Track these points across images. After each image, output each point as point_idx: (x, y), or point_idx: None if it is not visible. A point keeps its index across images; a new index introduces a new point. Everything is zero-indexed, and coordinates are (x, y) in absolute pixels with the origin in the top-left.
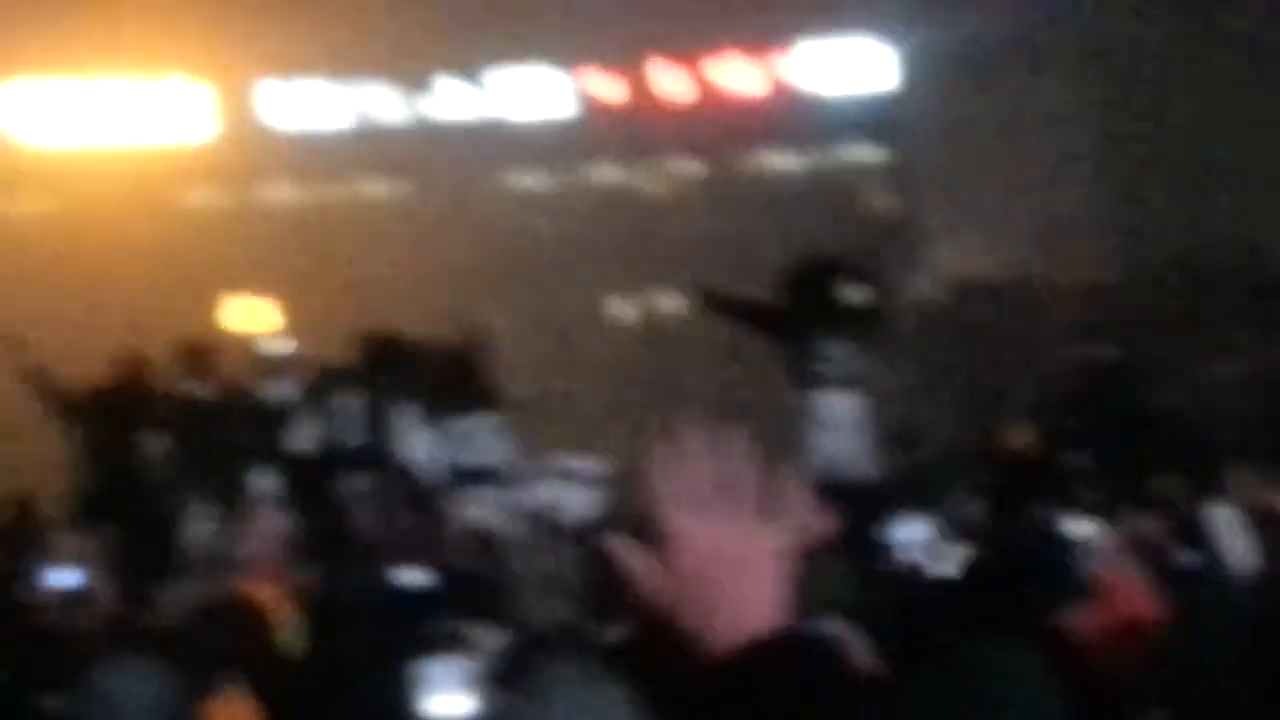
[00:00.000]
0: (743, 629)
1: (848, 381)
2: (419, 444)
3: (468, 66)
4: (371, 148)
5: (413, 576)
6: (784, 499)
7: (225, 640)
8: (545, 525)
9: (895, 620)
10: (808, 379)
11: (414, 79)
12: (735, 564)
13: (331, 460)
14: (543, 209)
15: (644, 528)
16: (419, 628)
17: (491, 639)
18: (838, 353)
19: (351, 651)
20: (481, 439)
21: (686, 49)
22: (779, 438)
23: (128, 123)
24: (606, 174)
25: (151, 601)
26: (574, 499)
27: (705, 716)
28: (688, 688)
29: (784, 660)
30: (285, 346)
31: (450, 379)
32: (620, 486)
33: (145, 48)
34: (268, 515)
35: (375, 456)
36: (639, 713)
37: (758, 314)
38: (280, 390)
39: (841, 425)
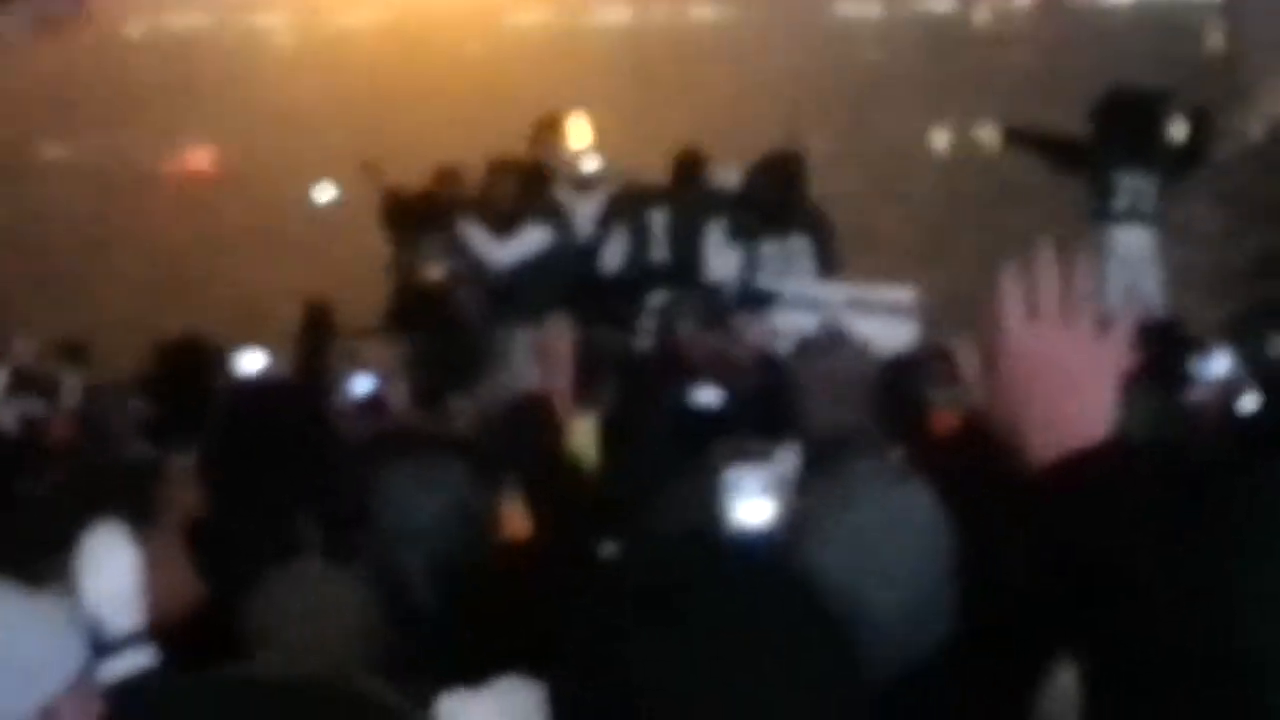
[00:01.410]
0: (1075, 438)
1: (1145, 217)
2: (728, 263)
3: None
4: None
5: (708, 395)
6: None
7: (516, 445)
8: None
9: (1196, 454)
10: (1105, 213)
11: None
12: (1071, 376)
13: (637, 276)
14: (869, 37)
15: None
16: (712, 442)
17: (786, 453)
18: (1137, 187)
19: (645, 463)
20: (794, 261)
21: None
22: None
23: None
24: (936, 3)
25: (445, 408)
26: (888, 330)
27: (1030, 521)
28: (1014, 494)
29: (1114, 467)
30: (601, 164)
31: (765, 200)
32: (932, 316)
33: None
34: (562, 327)
35: (682, 273)
36: (942, 511)
37: (1059, 147)
38: (591, 207)
39: (1137, 260)
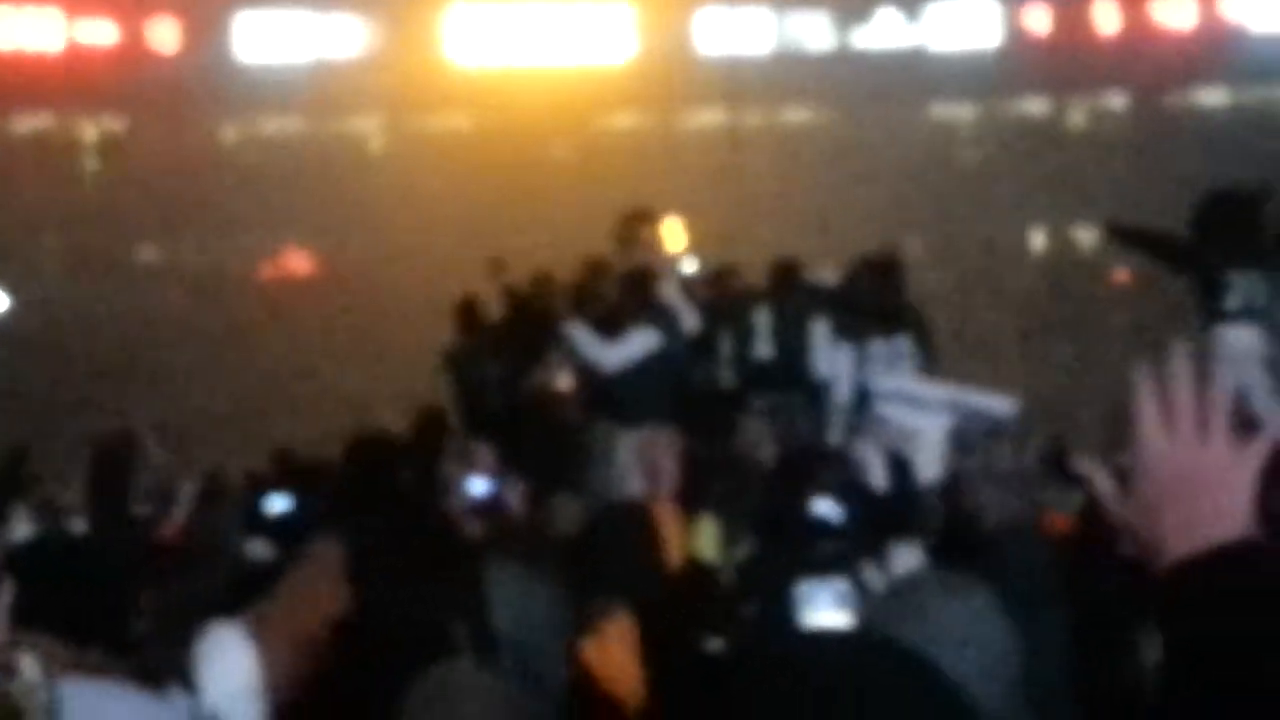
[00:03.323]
0: (1211, 537)
1: (1254, 315)
2: (831, 363)
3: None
4: (797, 74)
5: (825, 506)
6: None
7: (617, 553)
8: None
9: None
10: (1215, 313)
11: (849, 9)
12: (1208, 479)
13: (741, 378)
14: (964, 138)
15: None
16: (821, 548)
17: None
18: (1245, 286)
19: (767, 568)
20: (899, 361)
21: None
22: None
23: (556, 44)
24: (1030, 105)
25: (551, 510)
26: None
27: (1161, 616)
28: (1147, 591)
29: (1246, 566)
30: (696, 265)
31: (868, 300)
32: (1029, 419)
33: None
34: (667, 437)
35: (788, 373)
36: (999, 619)
37: (1165, 246)
38: (690, 314)
39: (1246, 359)
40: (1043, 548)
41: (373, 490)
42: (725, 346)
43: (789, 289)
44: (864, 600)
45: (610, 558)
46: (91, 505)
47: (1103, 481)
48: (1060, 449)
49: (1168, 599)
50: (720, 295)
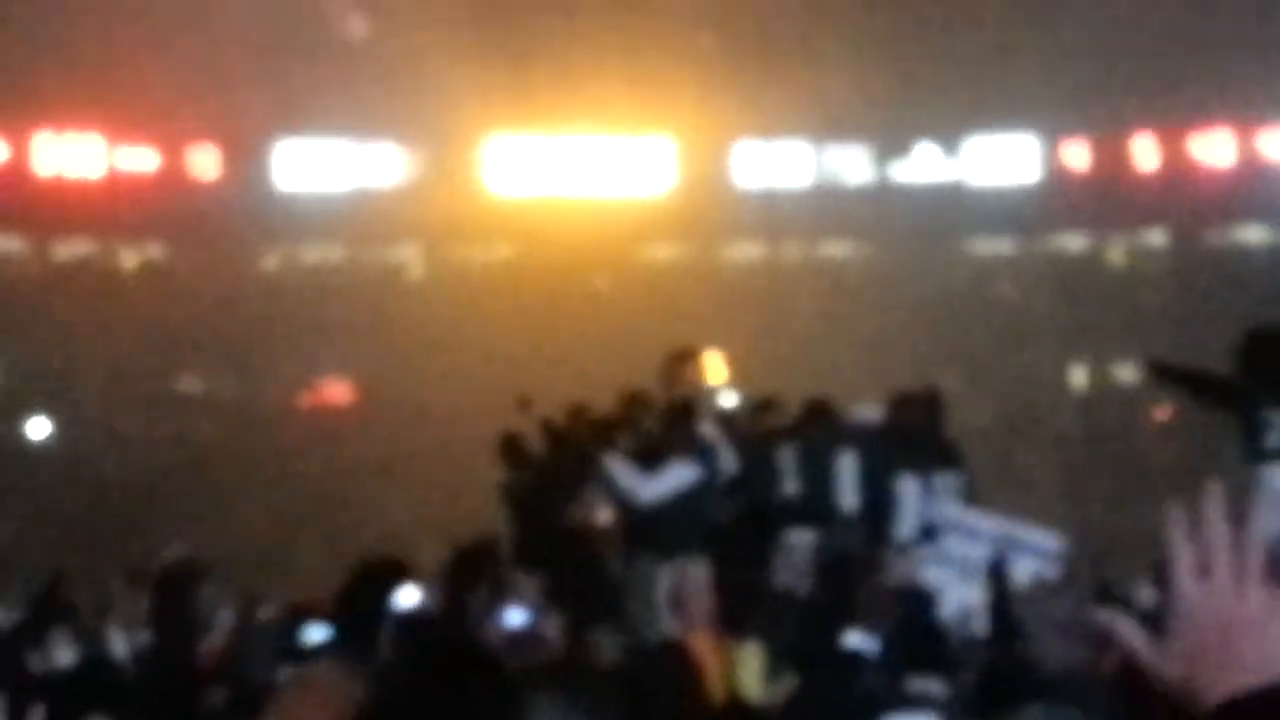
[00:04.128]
0: (1249, 679)
1: None
2: (856, 498)
3: (946, 133)
4: (835, 207)
5: (858, 639)
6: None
7: (660, 692)
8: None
9: None
10: (1257, 453)
11: (887, 144)
12: (1244, 622)
13: (771, 512)
14: (1003, 273)
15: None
16: (865, 685)
17: (939, 691)
18: None
19: (809, 699)
20: (938, 497)
21: (1173, 123)
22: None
23: (596, 175)
24: (1069, 241)
25: (590, 644)
26: (1027, 568)
27: None
28: None
29: (1276, 711)
30: (735, 399)
31: (908, 435)
32: (1074, 555)
33: (619, 107)
34: (698, 572)
35: (813, 508)
36: None
37: (1208, 385)
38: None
39: None
40: (1102, 693)
41: (378, 613)
42: (754, 483)
43: (816, 426)
44: None
45: (653, 697)
46: (154, 630)
47: (1131, 635)
48: (1105, 591)
49: None
50: (756, 430)
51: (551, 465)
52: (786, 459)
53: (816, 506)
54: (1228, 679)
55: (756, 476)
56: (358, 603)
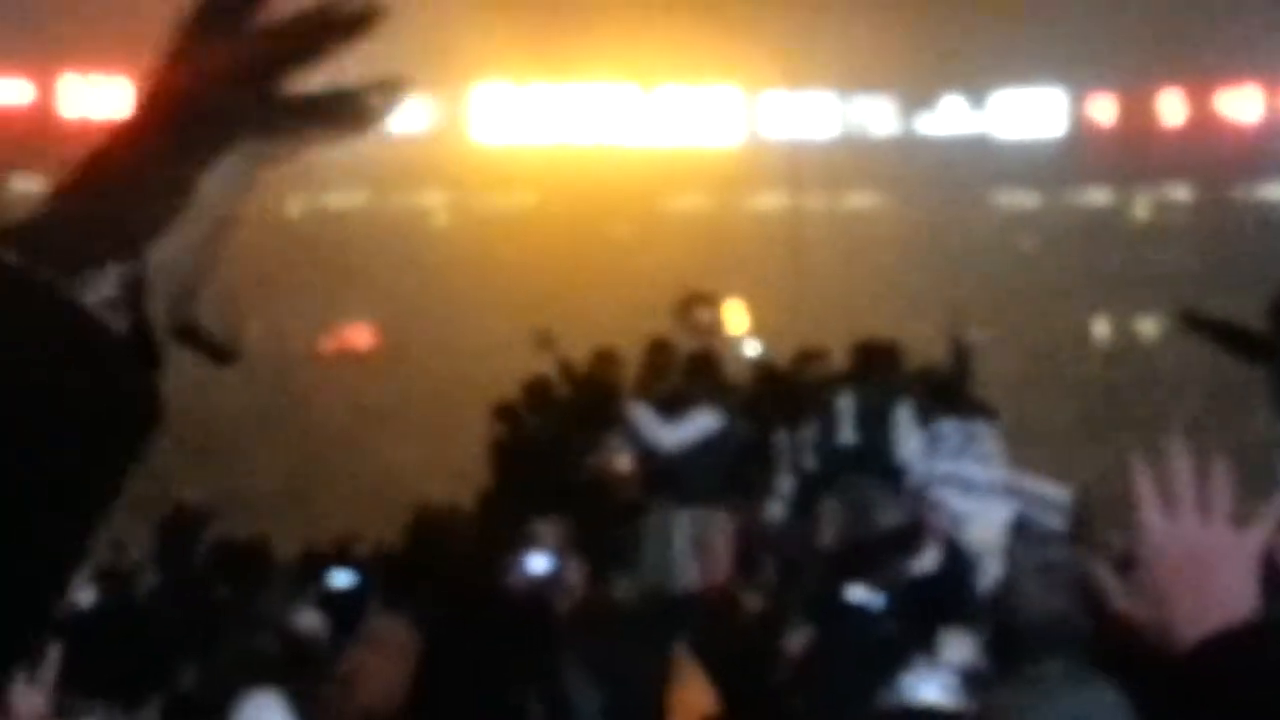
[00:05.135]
0: (1214, 621)
1: None
2: (912, 447)
3: (973, 86)
4: (860, 159)
5: (858, 594)
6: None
7: (692, 627)
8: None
9: None
10: None
11: (913, 96)
12: (1212, 563)
13: (825, 463)
14: (1027, 227)
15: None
16: (886, 632)
17: (961, 640)
18: None
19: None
20: (973, 444)
21: (1200, 78)
22: (1259, 467)
23: (622, 125)
24: (1094, 196)
25: (612, 588)
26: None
27: (1175, 702)
28: (1160, 677)
29: (1248, 650)
30: (758, 348)
31: (943, 385)
32: (1086, 507)
33: (643, 56)
34: (722, 516)
35: (871, 458)
36: (1127, 711)
37: (1239, 337)
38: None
39: None
40: (1084, 642)
41: (435, 566)
42: (810, 431)
43: (873, 373)
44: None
45: (677, 645)
46: (160, 571)
47: (1103, 576)
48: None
49: (1188, 683)
50: (803, 379)
51: (571, 410)
52: (843, 409)
53: (874, 457)
54: (1198, 619)
55: (810, 425)
56: (409, 554)
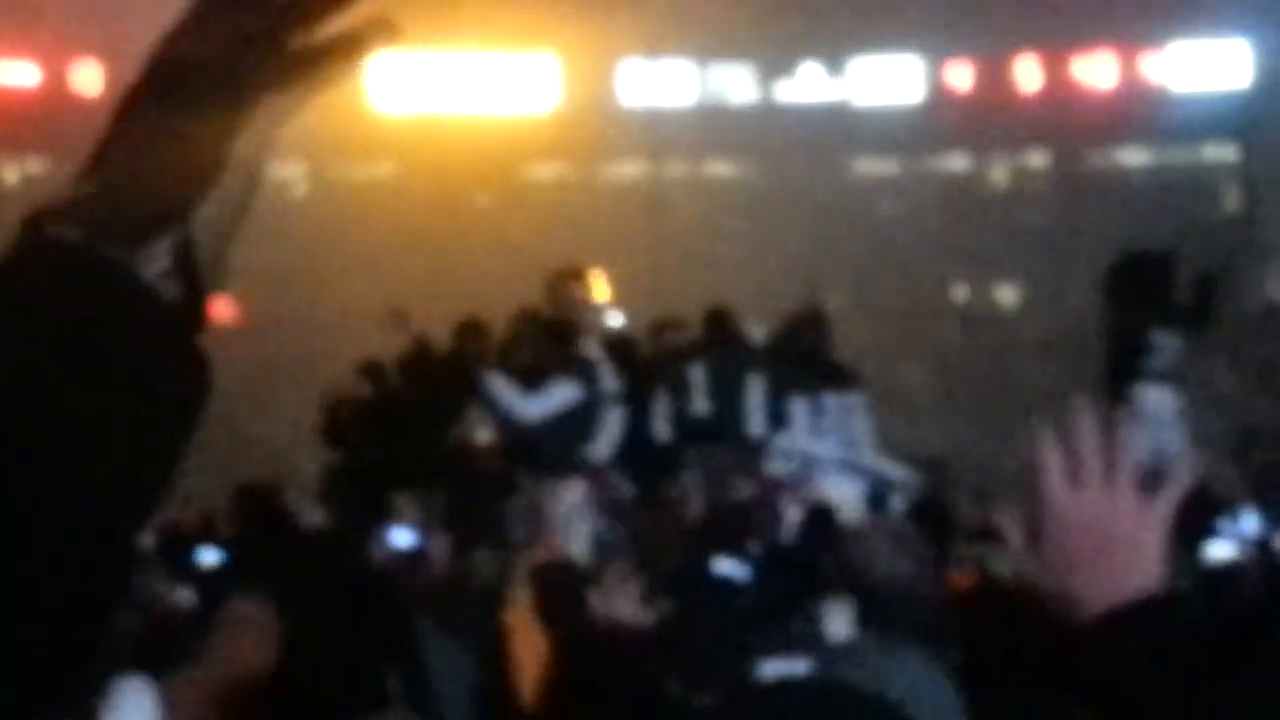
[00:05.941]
0: (1123, 592)
1: (1170, 376)
2: (763, 419)
3: (832, 53)
4: (719, 126)
5: (728, 566)
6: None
7: (549, 605)
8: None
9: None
10: (1135, 372)
11: (772, 63)
12: (1116, 534)
13: (678, 433)
14: (887, 194)
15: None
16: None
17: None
18: (1163, 347)
19: (684, 625)
20: (827, 420)
21: (1056, 45)
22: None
23: (480, 94)
24: (953, 162)
25: (474, 563)
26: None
27: (1076, 674)
28: (1061, 648)
29: (1155, 621)
30: (624, 319)
31: (795, 357)
32: (942, 471)
33: (502, 23)
34: (570, 488)
35: (722, 428)
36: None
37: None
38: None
39: (1163, 419)
40: (930, 608)
41: (271, 539)
42: (662, 401)
43: (725, 343)
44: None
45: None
46: None
47: (1014, 534)
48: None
49: (1093, 654)
50: (658, 349)
51: (429, 383)
52: (695, 378)
53: (726, 427)
54: (1103, 590)
55: (662, 395)
56: (249, 526)
